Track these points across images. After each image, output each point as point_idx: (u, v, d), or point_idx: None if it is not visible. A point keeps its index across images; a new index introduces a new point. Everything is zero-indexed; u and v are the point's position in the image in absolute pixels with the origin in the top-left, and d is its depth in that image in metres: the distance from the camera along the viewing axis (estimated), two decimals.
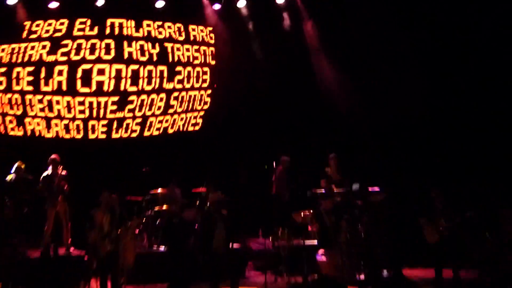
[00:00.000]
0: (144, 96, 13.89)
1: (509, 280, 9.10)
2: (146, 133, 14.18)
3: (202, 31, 14.90)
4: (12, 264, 10.74)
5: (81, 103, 13.37)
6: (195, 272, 10.78)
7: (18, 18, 13.26)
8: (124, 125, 13.89)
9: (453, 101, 14.57)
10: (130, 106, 13.76)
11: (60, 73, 13.09)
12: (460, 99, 14.38)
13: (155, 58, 13.92)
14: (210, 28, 15.10)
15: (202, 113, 14.93)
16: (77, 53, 13.17)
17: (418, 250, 11.47)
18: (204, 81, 14.76)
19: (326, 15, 15.35)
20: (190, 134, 14.94)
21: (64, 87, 13.20)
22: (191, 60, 14.60)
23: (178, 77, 14.30)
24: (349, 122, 15.08)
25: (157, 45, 13.98)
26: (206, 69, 14.85)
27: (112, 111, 13.66)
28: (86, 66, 13.23)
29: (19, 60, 13.12)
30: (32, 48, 13.05)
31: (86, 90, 13.28)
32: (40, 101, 13.09)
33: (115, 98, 13.63)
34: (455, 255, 10.57)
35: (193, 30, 14.83)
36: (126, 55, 13.52)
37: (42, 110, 13.22)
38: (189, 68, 14.50)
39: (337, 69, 15.33)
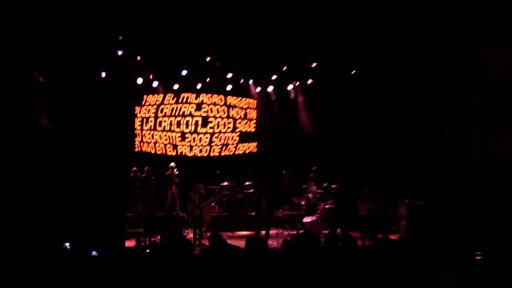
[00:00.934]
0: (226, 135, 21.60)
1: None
2: (223, 153, 21.49)
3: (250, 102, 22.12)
4: (151, 219, 15.28)
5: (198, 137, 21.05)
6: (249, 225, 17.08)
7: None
8: (213, 149, 21.36)
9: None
10: (216, 139, 21.27)
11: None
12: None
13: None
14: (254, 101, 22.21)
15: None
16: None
17: (354, 219, 16.31)
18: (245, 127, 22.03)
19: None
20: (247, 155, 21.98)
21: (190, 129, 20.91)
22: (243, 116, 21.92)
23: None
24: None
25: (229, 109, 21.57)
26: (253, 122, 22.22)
27: (206, 142, 21.12)
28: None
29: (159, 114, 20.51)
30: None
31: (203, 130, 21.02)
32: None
33: (208, 135, 21.14)
34: (373, 224, 15.98)
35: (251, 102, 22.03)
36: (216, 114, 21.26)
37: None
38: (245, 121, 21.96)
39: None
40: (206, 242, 14.74)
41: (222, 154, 21.57)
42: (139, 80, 19.11)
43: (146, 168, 18.38)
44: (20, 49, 12.60)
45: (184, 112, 20.89)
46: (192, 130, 21.02)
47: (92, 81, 17.79)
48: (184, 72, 18.76)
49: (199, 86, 20.55)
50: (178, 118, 20.85)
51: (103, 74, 18.29)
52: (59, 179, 14.07)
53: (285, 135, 21.54)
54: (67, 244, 10.22)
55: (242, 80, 20.93)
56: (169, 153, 20.80)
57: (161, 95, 20.66)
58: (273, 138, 21.76)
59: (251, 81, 21.37)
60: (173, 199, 18.71)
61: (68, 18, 14.72)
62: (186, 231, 16.33)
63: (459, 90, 15.82)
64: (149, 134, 20.70)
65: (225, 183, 19.42)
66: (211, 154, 21.36)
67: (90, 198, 14.24)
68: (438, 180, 15.17)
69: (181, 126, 20.88)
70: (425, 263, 5.80)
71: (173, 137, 20.91)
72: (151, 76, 19.59)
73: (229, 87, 20.79)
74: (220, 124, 21.45)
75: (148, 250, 7.52)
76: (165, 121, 20.75)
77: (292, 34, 16.68)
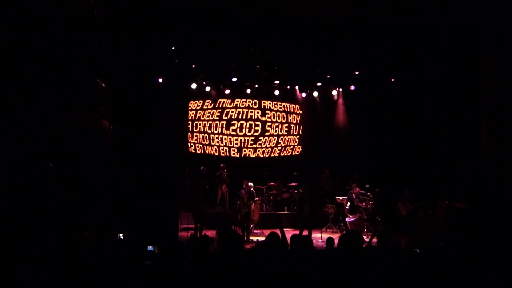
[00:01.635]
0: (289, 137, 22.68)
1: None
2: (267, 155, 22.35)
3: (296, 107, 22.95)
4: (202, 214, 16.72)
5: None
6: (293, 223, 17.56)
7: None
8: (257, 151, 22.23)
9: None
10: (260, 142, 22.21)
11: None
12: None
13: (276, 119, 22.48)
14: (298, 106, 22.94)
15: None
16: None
17: (395, 220, 16.87)
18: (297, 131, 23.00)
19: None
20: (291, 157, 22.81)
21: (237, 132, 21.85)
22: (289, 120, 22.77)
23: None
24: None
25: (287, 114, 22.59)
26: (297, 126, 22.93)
27: (251, 144, 22.09)
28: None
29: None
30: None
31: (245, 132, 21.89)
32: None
33: (253, 138, 22.09)
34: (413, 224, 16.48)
35: (296, 107, 22.82)
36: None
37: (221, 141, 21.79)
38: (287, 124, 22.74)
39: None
40: (253, 238, 15.69)
41: (281, 155, 22.62)
42: (193, 85, 20.07)
43: (201, 168, 19.25)
44: (85, 57, 13.53)
45: (251, 116, 22.05)
46: (259, 134, 22.22)
47: (150, 86, 18.66)
48: (234, 79, 19.58)
49: (248, 91, 21.33)
50: (244, 122, 22.01)
51: (160, 80, 19.24)
52: (118, 177, 14.93)
53: (327, 138, 22.43)
54: (121, 236, 11.06)
55: (288, 86, 21.60)
56: (232, 155, 21.90)
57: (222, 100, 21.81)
58: (317, 141, 22.57)
59: (296, 87, 21.95)
60: (223, 198, 19.57)
61: (129, 28, 15.53)
62: (235, 227, 16.69)
63: (497, 95, 15.91)
64: (216, 137, 21.84)
65: (272, 183, 20.12)
66: (272, 155, 22.40)
67: (146, 196, 14.91)
68: (476, 183, 15.05)
69: (251, 130, 22.17)
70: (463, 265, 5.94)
71: (245, 141, 22.06)
72: (204, 82, 20.54)
73: (276, 93, 21.51)
74: (282, 127, 22.67)
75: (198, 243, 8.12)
76: (233, 125, 21.91)
77: (336, 44, 17.17)
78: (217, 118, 21.69)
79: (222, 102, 21.75)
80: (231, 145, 21.80)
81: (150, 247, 8.09)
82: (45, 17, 11.99)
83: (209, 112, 21.61)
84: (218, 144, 21.71)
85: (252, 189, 17.18)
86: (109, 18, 14.66)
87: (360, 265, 5.68)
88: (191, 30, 16.54)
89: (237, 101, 21.89)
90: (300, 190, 16.89)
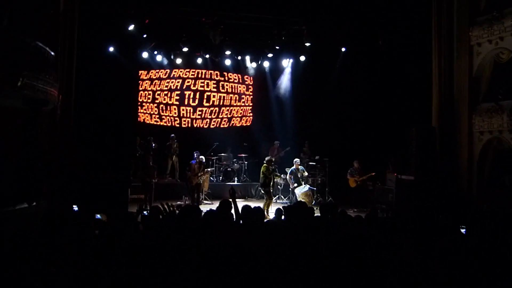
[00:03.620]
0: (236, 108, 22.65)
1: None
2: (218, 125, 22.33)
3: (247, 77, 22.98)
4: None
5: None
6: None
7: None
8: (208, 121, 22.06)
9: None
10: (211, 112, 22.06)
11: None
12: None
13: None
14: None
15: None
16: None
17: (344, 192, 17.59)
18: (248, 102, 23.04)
19: None
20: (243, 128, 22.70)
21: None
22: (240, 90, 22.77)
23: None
24: None
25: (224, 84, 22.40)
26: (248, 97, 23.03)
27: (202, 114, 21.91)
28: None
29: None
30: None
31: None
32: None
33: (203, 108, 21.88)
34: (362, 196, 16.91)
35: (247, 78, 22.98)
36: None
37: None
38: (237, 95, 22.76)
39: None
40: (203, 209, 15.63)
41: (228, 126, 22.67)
42: (145, 54, 19.84)
43: (148, 138, 19.05)
44: (33, 25, 13.28)
45: (202, 86, 22.04)
46: (210, 104, 22.18)
47: (100, 55, 18.49)
48: (185, 49, 19.30)
49: (199, 61, 21.21)
50: (195, 92, 21.96)
51: (111, 49, 19.13)
52: (68, 147, 14.81)
53: (278, 109, 22.49)
54: (75, 207, 11.06)
55: (239, 57, 21.51)
56: (177, 125, 21.82)
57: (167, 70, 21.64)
58: (267, 112, 22.70)
59: (247, 58, 21.78)
60: (173, 168, 19.61)
61: None
62: (185, 197, 16.89)
63: (447, 71, 16.40)
64: (155, 107, 21.70)
65: (223, 154, 20.27)
66: (221, 126, 22.43)
67: (96, 166, 14.79)
68: (425, 155, 15.36)
69: (202, 101, 22.06)
70: (412, 234, 5.95)
71: (195, 111, 22.00)
72: (155, 52, 20.33)
73: (228, 62, 21.43)
74: (231, 98, 22.72)
75: (146, 213, 8.15)
76: (184, 95, 21.82)
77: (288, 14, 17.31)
78: (167, 88, 21.65)
79: (173, 72, 21.67)
80: (181, 116, 21.73)
81: (98, 215, 8.04)
82: None
83: (160, 82, 21.58)
84: (168, 114, 21.64)
85: (203, 160, 17.20)
86: None
87: (308, 235, 5.77)
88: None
89: (187, 72, 21.82)
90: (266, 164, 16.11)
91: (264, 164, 15.87)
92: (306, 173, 17.68)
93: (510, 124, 14.61)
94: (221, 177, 20.02)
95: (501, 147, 15.26)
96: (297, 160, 17.68)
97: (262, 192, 15.88)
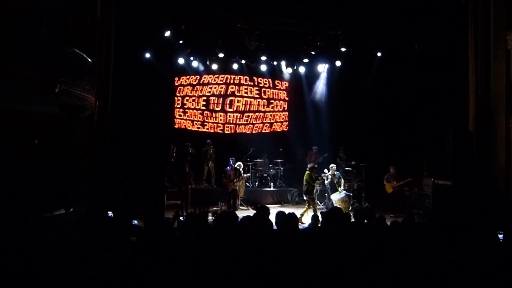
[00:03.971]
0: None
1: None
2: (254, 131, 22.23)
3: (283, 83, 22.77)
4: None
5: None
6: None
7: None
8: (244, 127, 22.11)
9: None
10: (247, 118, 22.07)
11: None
12: None
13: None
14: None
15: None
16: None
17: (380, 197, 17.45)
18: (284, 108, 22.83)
19: None
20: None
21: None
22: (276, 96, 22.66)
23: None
24: None
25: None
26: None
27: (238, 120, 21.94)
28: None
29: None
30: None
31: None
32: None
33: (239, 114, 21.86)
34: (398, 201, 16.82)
35: (278, 82, 22.66)
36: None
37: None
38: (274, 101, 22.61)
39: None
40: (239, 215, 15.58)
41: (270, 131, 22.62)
42: (180, 60, 19.99)
43: (186, 144, 19.02)
44: (70, 32, 13.46)
45: (237, 92, 21.93)
46: (246, 110, 22.13)
47: (136, 61, 18.66)
48: (221, 55, 19.31)
49: (235, 66, 21.20)
50: (231, 98, 21.89)
51: (147, 55, 19.29)
52: (104, 153, 14.91)
53: (314, 114, 22.46)
54: (110, 213, 11.09)
55: (275, 62, 21.41)
56: (219, 131, 21.83)
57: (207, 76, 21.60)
58: (302, 118, 22.62)
59: (283, 63, 21.67)
60: (209, 174, 19.54)
61: (116, 2, 15.49)
62: (221, 203, 16.96)
63: (484, 74, 15.97)
64: (202, 113, 21.73)
65: (258, 160, 20.18)
66: (258, 131, 22.35)
67: (133, 172, 14.80)
68: (462, 160, 15.11)
69: (237, 107, 22.00)
70: (448, 240, 5.90)
71: (232, 117, 21.95)
72: (191, 58, 20.41)
73: (263, 68, 21.37)
74: (269, 104, 22.56)
75: (182, 219, 8.11)
76: (219, 101, 21.75)
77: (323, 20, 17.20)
78: (203, 94, 21.62)
79: (209, 78, 21.55)
80: (218, 122, 21.69)
81: (135, 221, 7.99)
82: None
83: (196, 88, 21.56)
84: (205, 120, 21.61)
85: (240, 167, 17.28)
86: None
87: (344, 242, 5.55)
88: (178, 4, 16.53)
89: (222, 77, 21.72)
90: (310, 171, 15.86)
91: (307, 172, 15.60)
92: (342, 180, 17.46)
93: None
94: (257, 183, 19.87)
95: None
96: (333, 165, 17.54)
97: (306, 199, 15.64)
